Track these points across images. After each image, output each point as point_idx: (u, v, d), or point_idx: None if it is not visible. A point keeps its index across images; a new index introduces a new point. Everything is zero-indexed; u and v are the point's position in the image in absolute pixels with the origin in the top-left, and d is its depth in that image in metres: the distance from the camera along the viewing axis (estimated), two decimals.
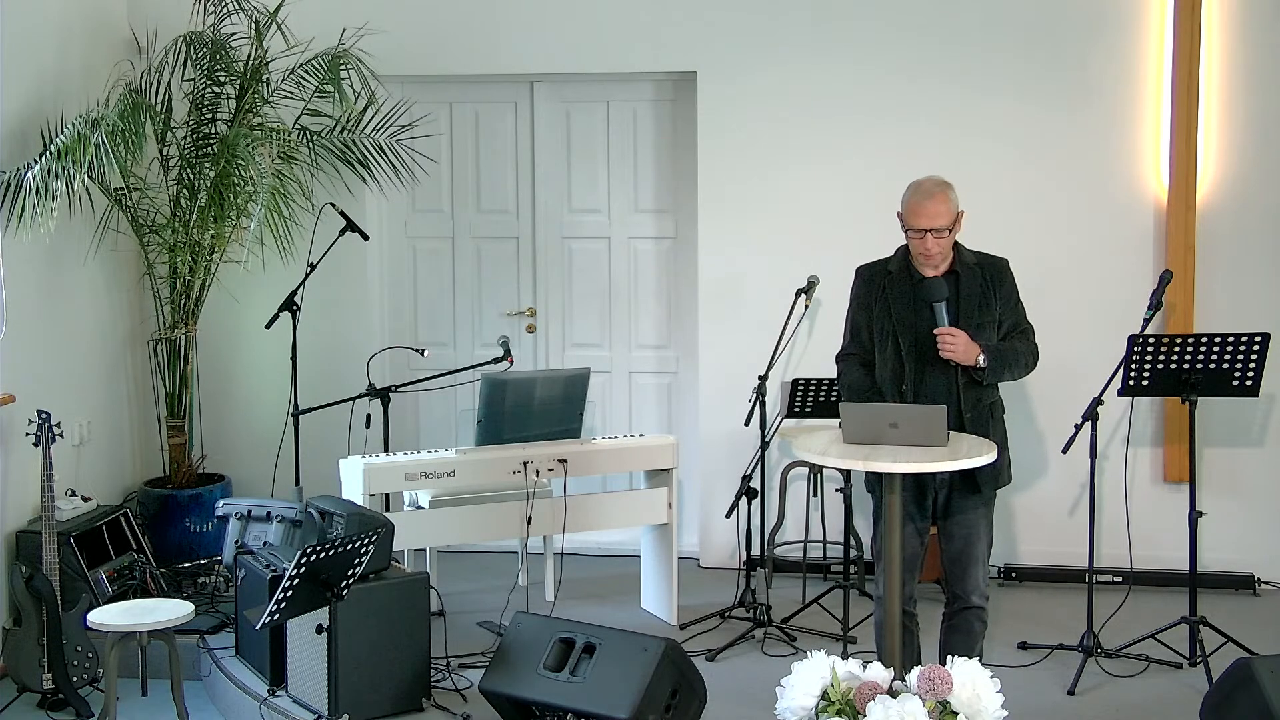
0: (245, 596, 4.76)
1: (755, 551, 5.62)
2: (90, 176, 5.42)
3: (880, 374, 4.24)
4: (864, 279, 4.30)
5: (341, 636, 4.16)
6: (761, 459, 5.31)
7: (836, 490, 5.69)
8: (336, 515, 4.52)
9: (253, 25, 5.90)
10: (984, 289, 4.18)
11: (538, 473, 5.19)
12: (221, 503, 5.17)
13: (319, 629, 4.16)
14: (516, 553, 5.90)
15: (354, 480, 5.00)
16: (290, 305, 5.69)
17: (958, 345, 4.06)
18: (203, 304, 6.04)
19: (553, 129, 6.52)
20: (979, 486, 4.13)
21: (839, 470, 5.46)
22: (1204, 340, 4.86)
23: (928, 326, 4.12)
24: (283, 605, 3.84)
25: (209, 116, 5.91)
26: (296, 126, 6.00)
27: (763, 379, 5.33)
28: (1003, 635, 5.18)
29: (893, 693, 3.58)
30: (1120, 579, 5.70)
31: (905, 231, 4.15)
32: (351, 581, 4.01)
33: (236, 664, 4.86)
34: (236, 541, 5.00)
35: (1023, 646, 5.12)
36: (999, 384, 4.26)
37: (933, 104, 5.97)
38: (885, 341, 4.21)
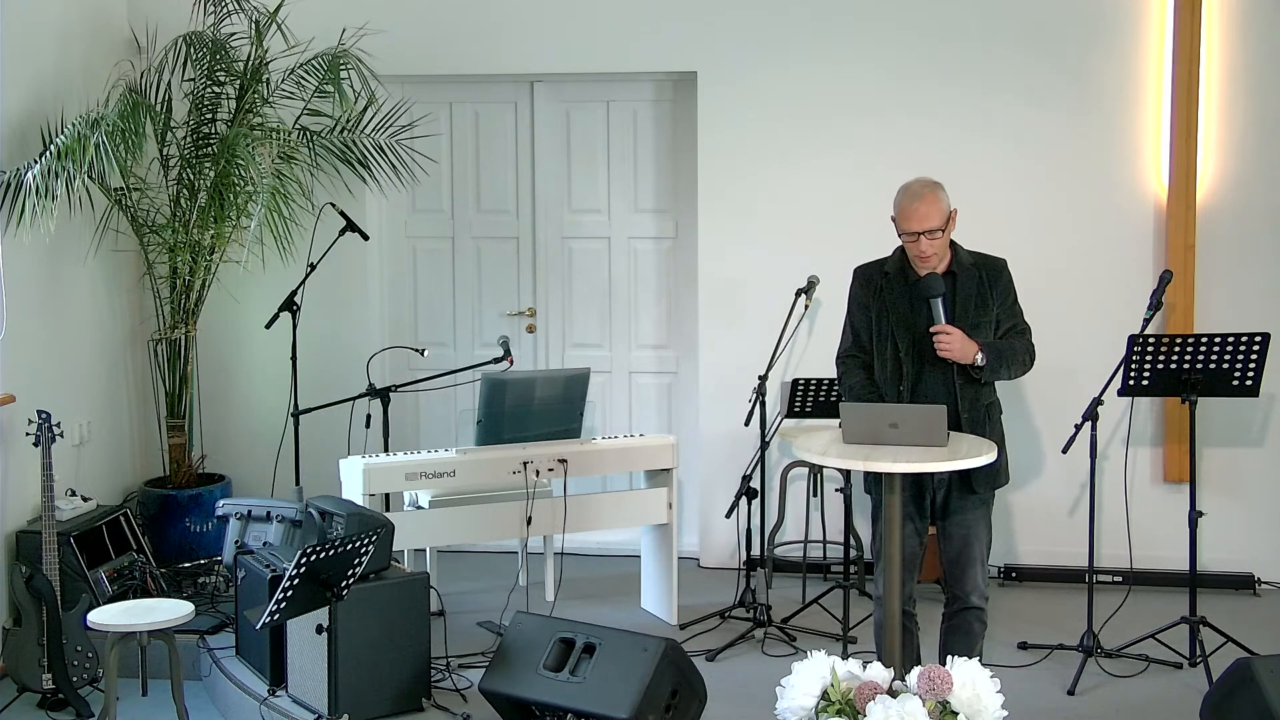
0: (245, 596, 4.76)
1: (755, 551, 5.62)
2: (90, 176, 5.42)
3: (879, 375, 4.24)
4: (861, 280, 4.30)
5: (341, 636, 4.16)
6: (761, 459, 5.31)
7: (836, 490, 5.69)
8: (336, 515, 4.52)
9: (253, 25, 5.90)
10: (980, 289, 4.18)
11: (538, 473, 5.19)
12: (221, 503, 5.17)
13: (319, 629, 4.16)
14: (516, 553, 5.90)
15: (354, 480, 5.00)
16: (290, 305, 5.70)
17: (953, 343, 4.06)
18: (203, 304, 6.04)
19: (553, 129, 6.52)
20: (975, 487, 4.13)
21: (839, 470, 5.47)
22: (1204, 340, 4.86)
23: (926, 326, 4.12)
24: (283, 605, 3.84)
25: (209, 116, 5.91)
26: (296, 126, 6.00)
27: (763, 379, 5.33)
28: (1003, 635, 5.18)
29: (893, 693, 3.58)
30: (1120, 579, 5.71)
31: (899, 235, 4.16)
32: (351, 581, 4.01)
33: (236, 664, 4.86)
34: (236, 541, 5.00)
35: (1023, 646, 5.12)
36: (996, 386, 4.26)
37: (933, 104, 5.98)
38: (884, 343, 4.21)
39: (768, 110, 6.09)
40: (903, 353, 4.17)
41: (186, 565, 5.73)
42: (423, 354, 6.02)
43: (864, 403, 4.15)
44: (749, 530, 5.55)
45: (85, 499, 5.53)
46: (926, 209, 4.07)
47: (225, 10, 5.93)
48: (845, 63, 6.04)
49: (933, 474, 4.09)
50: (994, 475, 4.14)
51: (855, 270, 4.33)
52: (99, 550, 5.32)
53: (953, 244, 4.21)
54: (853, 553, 5.52)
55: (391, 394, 5.58)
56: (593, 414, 6.40)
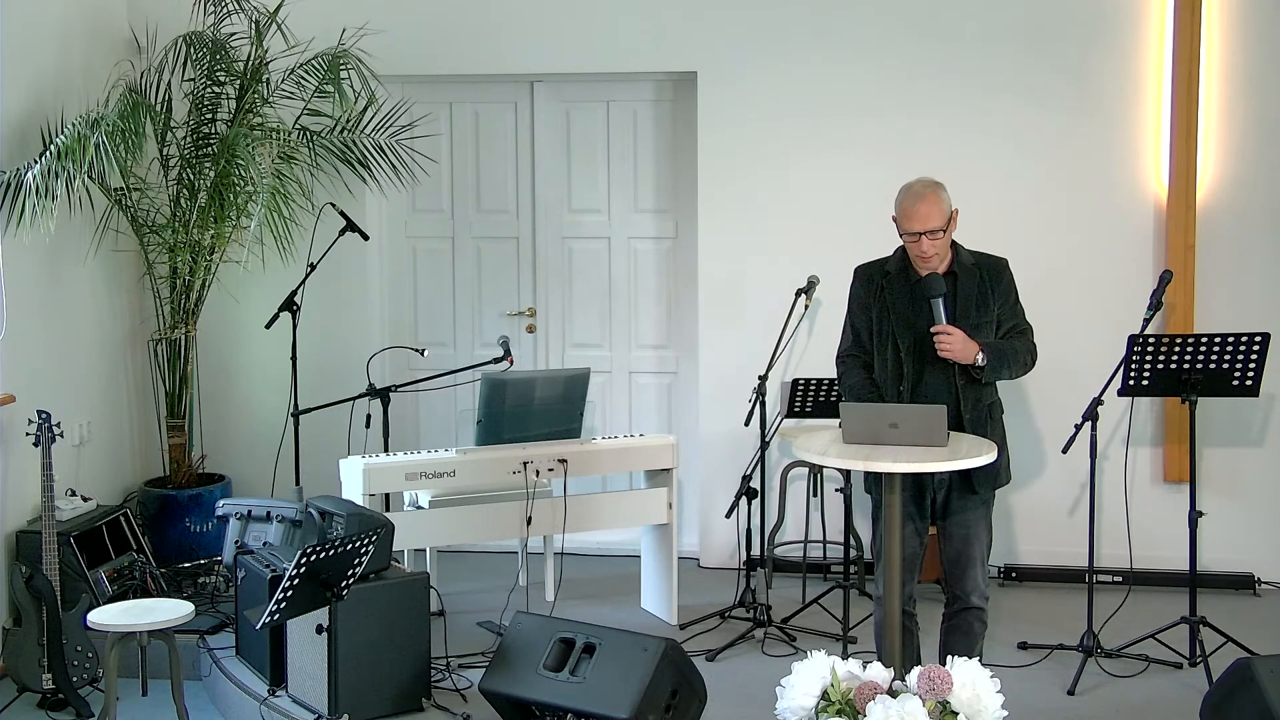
0: (245, 596, 4.76)
1: (755, 551, 5.62)
2: (90, 176, 5.42)
3: (879, 375, 4.24)
4: (862, 280, 4.30)
5: (341, 636, 4.16)
6: (761, 459, 5.31)
7: (836, 490, 5.69)
8: (336, 515, 4.51)
9: (253, 25, 5.90)
10: (982, 289, 4.18)
11: (538, 473, 5.19)
12: (221, 503, 5.17)
13: (319, 629, 4.17)
14: (516, 553, 5.90)
15: (354, 480, 5.00)
16: (290, 305, 5.69)
17: (954, 343, 4.06)
18: (203, 304, 6.04)
19: (553, 129, 6.52)
20: (976, 487, 4.13)
21: (839, 470, 5.46)
22: (1204, 340, 4.86)
23: (927, 326, 4.12)
24: (283, 605, 3.84)
25: (209, 116, 5.91)
26: (296, 126, 6.00)
27: (763, 379, 5.33)
28: (1003, 635, 5.18)
29: (893, 693, 3.58)
30: (1120, 579, 5.71)
31: (901, 235, 4.16)
32: (351, 581, 4.01)
33: (236, 664, 4.86)
34: (236, 541, 5.00)
35: (1023, 646, 5.12)
36: (997, 385, 4.26)
37: (933, 104, 5.98)
38: (884, 342, 4.21)
39: (768, 110, 6.09)
40: (903, 353, 4.17)
41: (186, 565, 5.73)
42: (423, 354, 6.02)
43: (864, 403, 4.15)
44: (749, 530, 5.54)
45: (85, 499, 5.53)
46: (928, 209, 4.07)
47: (225, 10, 5.93)
48: (845, 62, 6.04)
49: (933, 474, 4.09)
50: (995, 475, 4.14)
51: (856, 269, 4.33)
52: (99, 550, 5.32)
53: (954, 244, 4.21)
54: (853, 553, 5.52)
55: (391, 394, 5.58)
56: (593, 414, 6.40)
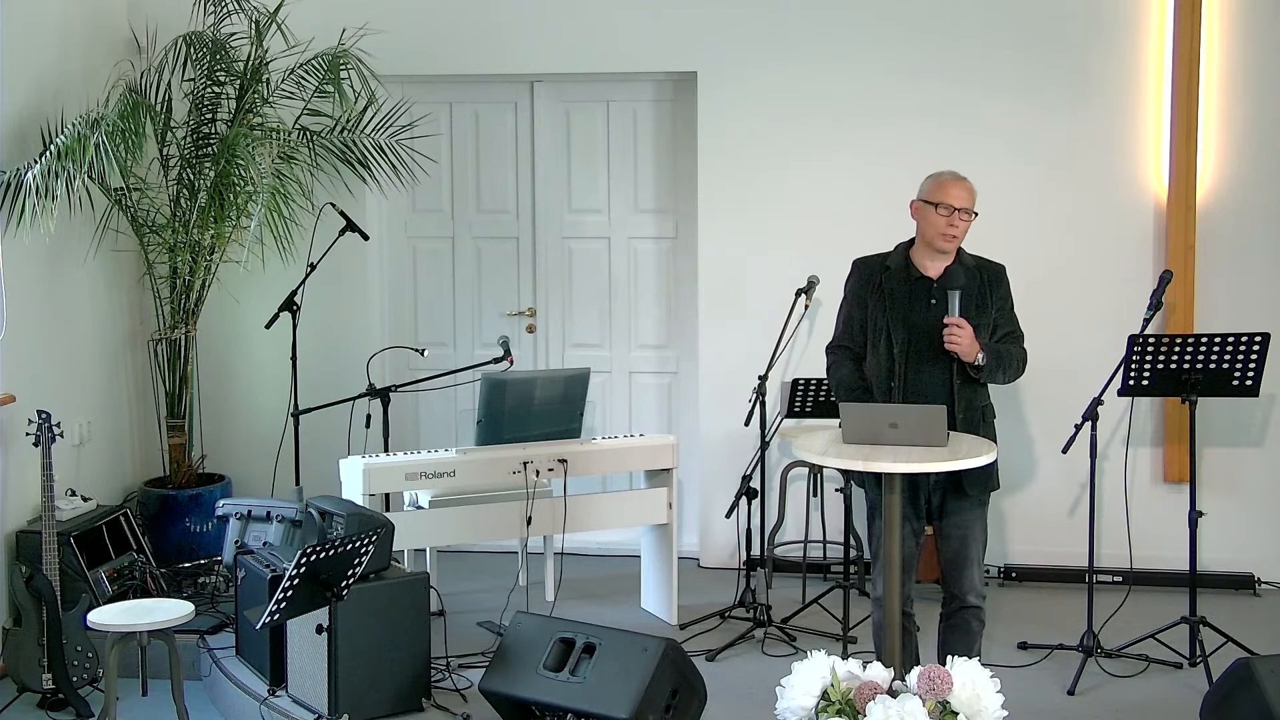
0: (245, 596, 4.76)
1: (755, 551, 5.62)
2: (90, 176, 5.41)
3: (871, 369, 4.24)
4: (861, 273, 4.31)
5: (341, 636, 4.15)
6: (761, 459, 5.31)
7: (836, 490, 5.69)
8: (336, 515, 4.52)
9: (253, 25, 5.90)
10: (981, 291, 4.20)
11: (538, 473, 5.19)
12: (221, 503, 5.17)
13: (319, 629, 4.16)
14: (516, 553, 5.90)
15: (354, 480, 5.00)
16: (290, 305, 5.69)
17: (964, 337, 4.07)
18: (203, 304, 6.04)
19: (553, 129, 6.52)
20: (967, 489, 4.13)
21: (839, 470, 5.46)
22: (1204, 340, 4.86)
23: (922, 323, 4.14)
24: (283, 605, 3.84)
25: (209, 116, 5.91)
26: (296, 126, 6.00)
27: (763, 379, 5.33)
28: (1003, 635, 5.18)
29: (893, 693, 3.58)
30: (1120, 579, 5.71)
31: (934, 207, 4.15)
32: (351, 581, 4.01)
33: (236, 664, 4.86)
34: (236, 541, 5.00)
35: (1023, 646, 5.12)
36: (990, 389, 4.27)
37: (933, 103, 5.98)
38: (878, 337, 4.22)
39: (768, 110, 6.09)
40: (897, 349, 4.18)
41: (186, 565, 5.73)
42: (423, 354, 6.02)
43: (856, 400, 4.16)
44: (749, 530, 5.54)
45: (85, 499, 5.53)
46: (966, 191, 4.20)
47: (225, 10, 5.93)
48: (846, 62, 6.04)
49: (928, 475, 4.09)
50: (987, 479, 4.14)
51: (855, 262, 4.34)
52: (99, 550, 5.32)
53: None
54: (853, 553, 5.52)
55: (391, 394, 5.58)
56: (593, 414, 6.40)
